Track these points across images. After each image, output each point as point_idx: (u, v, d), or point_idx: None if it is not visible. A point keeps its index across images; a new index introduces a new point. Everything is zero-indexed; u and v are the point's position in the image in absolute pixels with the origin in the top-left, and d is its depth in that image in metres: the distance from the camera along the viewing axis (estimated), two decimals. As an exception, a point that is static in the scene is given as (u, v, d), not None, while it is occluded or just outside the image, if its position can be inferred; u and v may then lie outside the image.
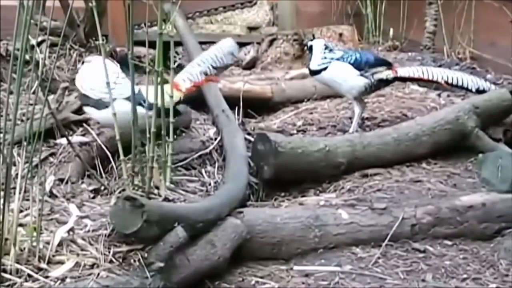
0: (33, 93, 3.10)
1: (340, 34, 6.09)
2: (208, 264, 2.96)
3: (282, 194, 3.85)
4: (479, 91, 4.44)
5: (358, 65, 4.36)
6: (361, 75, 4.35)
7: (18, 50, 2.88)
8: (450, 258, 3.23)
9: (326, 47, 4.40)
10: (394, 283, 3.03)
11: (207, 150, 3.96)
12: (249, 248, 3.19)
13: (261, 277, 3.08)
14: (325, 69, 4.37)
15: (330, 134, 4.44)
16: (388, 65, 4.47)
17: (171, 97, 3.52)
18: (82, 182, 3.52)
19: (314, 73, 4.44)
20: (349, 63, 4.35)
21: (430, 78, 4.44)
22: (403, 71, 4.49)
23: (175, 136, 3.64)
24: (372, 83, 4.38)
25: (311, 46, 4.45)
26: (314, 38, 4.59)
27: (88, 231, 2.92)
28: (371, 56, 4.57)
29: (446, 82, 4.44)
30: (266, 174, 3.80)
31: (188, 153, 3.89)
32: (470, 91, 4.49)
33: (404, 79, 4.60)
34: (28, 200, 2.86)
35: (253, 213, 3.31)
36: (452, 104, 4.67)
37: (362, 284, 3.02)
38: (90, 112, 3.66)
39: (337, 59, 4.36)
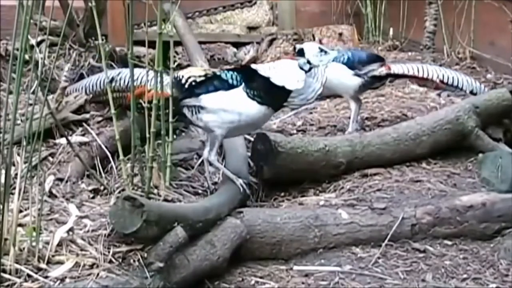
0: (33, 93, 3.10)
1: (340, 34, 6.09)
2: (208, 264, 2.96)
3: (282, 194, 3.85)
4: (472, 93, 4.47)
5: (352, 65, 4.38)
6: (356, 74, 4.37)
7: (17, 49, 2.88)
8: (450, 258, 3.23)
9: (321, 50, 4.30)
10: (394, 283, 3.03)
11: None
12: (249, 248, 3.19)
13: (261, 277, 3.08)
14: None
15: (330, 134, 4.44)
16: (381, 61, 4.49)
17: (172, 96, 3.51)
18: (82, 182, 3.51)
19: None
20: (343, 63, 4.36)
21: (425, 76, 4.46)
22: (397, 68, 4.50)
23: (174, 136, 3.64)
24: (366, 81, 4.39)
25: (301, 50, 4.29)
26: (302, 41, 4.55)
27: (88, 231, 2.91)
28: (363, 54, 4.60)
29: (442, 81, 4.47)
30: (265, 174, 3.80)
31: (188, 153, 3.89)
32: (464, 92, 4.51)
33: (397, 76, 4.60)
34: (27, 200, 2.85)
35: (253, 213, 3.30)
36: (452, 104, 4.66)
37: (362, 284, 3.02)
38: None
39: (332, 61, 4.32)
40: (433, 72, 4.46)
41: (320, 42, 6.05)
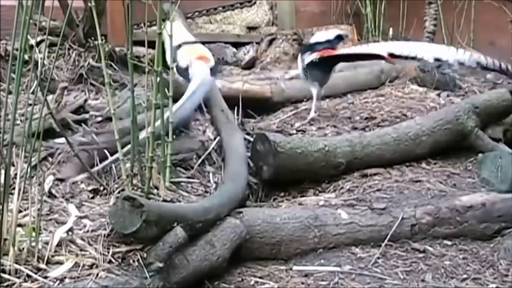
0: (32, 93, 3.09)
1: (340, 34, 6.08)
2: (207, 264, 2.95)
3: (282, 194, 3.85)
4: (440, 60, 4.16)
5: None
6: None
7: (17, 50, 2.87)
8: (450, 258, 3.23)
9: None
10: (394, 283, 3.03)
11: (207, 150, 3.96)
12: (249, 248, 3.19)
13: (261, 277, 3.07)
14: None
15: (329, 134, 4.43)
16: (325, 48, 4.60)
17: (171, 97, 3.51)
18: (81, 182, 3.51)
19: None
20: None
21: (371, 52, 4.33)
22: (344, 50, 4.58)
23: (174, 136, 3.63)
24: (304, 69, 4.58)
25: None
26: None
27: (87, 231, 2.91)
28: (308, 47, 4.80)
29: (391, 55, 4.20)
30: (265, 174, 3.80)
31: (187, 153, 3.88)
32: (428, 61, 4.22)
33: (340, 58, 4.60)
34: (27, 200, 2.85)
35: (253, 213, 3.30)
36: (452, 104, 4.66)
37: (361, 284, 3.02)
38: None
39: None
40: (381, 48, 4.33)
41: None
